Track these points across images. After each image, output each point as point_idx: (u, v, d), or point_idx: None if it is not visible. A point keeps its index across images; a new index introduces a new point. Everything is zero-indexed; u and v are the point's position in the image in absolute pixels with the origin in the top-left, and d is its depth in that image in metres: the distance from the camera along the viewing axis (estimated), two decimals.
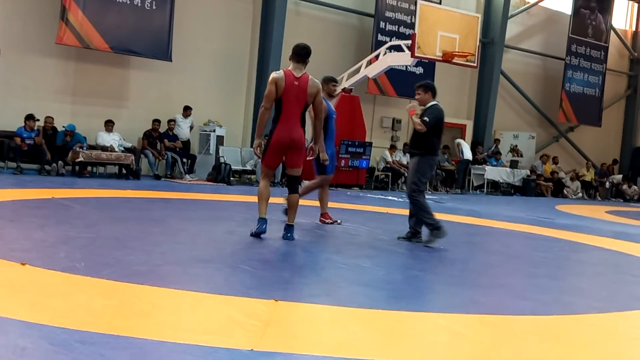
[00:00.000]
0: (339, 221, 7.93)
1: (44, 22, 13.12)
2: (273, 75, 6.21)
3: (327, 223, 7.85)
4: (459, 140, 18.54)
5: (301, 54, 6.26)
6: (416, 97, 7.00)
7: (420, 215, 6.79)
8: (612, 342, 3.77)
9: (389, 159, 17.15)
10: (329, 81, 7.90)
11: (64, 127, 12.75)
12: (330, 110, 7.73)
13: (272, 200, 6.46)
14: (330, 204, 8.15)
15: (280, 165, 7.03)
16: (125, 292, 3.84)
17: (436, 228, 6.69)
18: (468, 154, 18.03)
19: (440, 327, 3.70)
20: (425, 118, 6.74)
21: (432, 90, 7.02)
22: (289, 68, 6.27)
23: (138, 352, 2.78)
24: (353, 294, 4.35)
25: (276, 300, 3.81)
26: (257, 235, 6.19)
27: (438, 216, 6.82)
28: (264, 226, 6.18)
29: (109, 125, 13.43)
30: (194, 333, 3.12)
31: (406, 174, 17.43)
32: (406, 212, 7.04)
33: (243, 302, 3.80)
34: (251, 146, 13.61)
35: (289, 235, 6.27)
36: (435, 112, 6.85)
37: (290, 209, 6.35)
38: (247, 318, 3.45)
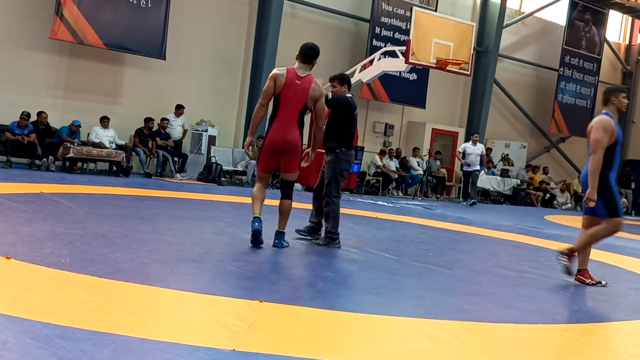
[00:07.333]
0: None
1: (39, 17, 13.08)
2: (274, 71, 5.97)
3: (588, 283, 6.07)
4: (463, 145, 16.73)
5: (307, 54, 5.97)
6: (331, 89, 6.77)
7: (330, 218, 6.53)
8: (592, 353, 3.79)
9: (379, 163, 17.20)
10: (614, 93, 5.91)
11: (72, 123, 12.76)
12: (619, 135, 5.84)
13: (267, 202, 6.34)
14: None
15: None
16: (110, 289, 3.83)
17: (335, 238, 6.53)
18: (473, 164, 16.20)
19: (423, 332, 3.71)
20: (328, 94, 6.50)
21: (348, 83, 6.84)
22: (294, 66, 6.01)
23: (119, 348, 2.77)
24: (338, 297, 4.35)
25: (261, 301, 3.81)
26: (254, 238, 5.81)
27: (428, 222, 6.82)
28: (256, 224, 5.77)
29: (104, 121, 13.41)
30: (176, 332, 3.12)
31: (397, 180, 17.58)
32: (396, 217, 7.05)
33: (227, 302, 3.80)
34: (243, 145, 13.49)
35: (277, 242, 6.00)
36: (343, 97, 6.67)
37: (281, 215, 6.04)
38: (230, 318, 3.45)
